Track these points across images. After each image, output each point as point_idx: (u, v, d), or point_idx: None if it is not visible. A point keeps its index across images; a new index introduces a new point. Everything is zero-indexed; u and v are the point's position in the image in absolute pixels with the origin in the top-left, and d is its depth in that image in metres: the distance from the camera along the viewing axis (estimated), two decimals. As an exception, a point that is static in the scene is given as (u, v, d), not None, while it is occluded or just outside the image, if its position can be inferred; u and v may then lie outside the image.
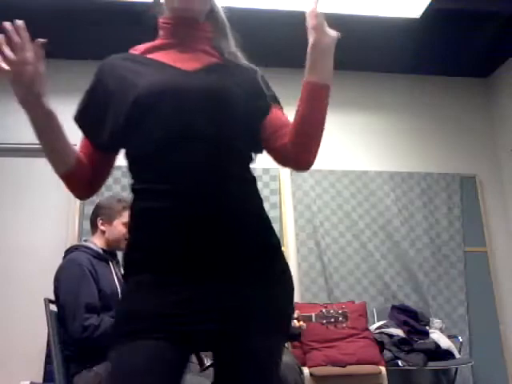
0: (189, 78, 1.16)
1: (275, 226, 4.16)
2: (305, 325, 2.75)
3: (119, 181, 4.01)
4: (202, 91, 1.12)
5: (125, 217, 2.41)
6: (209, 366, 2.18)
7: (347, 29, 4.31)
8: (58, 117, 1.18)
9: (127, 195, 4.04)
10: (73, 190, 1.24)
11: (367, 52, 4.19)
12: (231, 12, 1.38)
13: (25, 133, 4.53)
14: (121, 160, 4.10)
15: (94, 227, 2.45)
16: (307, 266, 4.08)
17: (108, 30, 3.82)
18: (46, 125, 1.17)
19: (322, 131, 1.19)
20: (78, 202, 3.94)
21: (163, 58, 1.23)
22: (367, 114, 4.57)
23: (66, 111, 4.81)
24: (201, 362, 2.21)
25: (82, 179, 1.23)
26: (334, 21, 4.33)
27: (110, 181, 3.98)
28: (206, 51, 1.26)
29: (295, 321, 2.74)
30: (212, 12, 1.32)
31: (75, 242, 3.64)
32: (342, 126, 4.49)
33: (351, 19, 3.69)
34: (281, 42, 4.02)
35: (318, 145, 1.23)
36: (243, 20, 3.82)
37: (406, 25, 3.68)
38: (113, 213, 2.41)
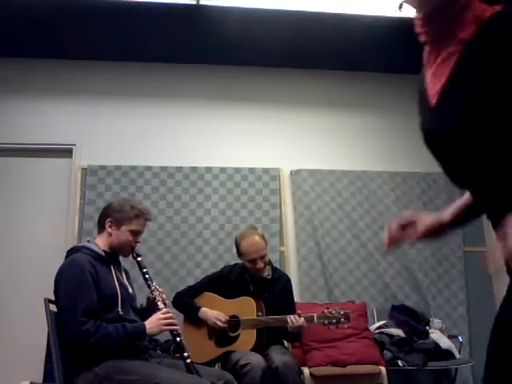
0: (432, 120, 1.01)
1: (275, 226, 4.16)
2: (305, 323, 2.75)
3: (119, 181, 4.01)
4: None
5: (134, 224, 2.37)
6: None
7: (347, 29, 4.34)
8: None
9: (127, 197, 4.04)
10: None
11: (367, 52, 4.18)
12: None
13: (25, 133, 4.57)
14: (121, 160, 4.10)
15: (101, 227, 2.41)
16: (307, 265, 4.07)
17: (108, 29, 3.82)
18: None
19: None
20: (77, 201, 3.94)
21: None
22: (367, 114, 4.57)
23: (66, 111, 4.83)
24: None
25: None
26: (334, 21, 4.34)
27: (110, 181, 3.99)
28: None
29: (297, 317, 2.74)
30: None
31: (75, 242, 3.64)
32: (342, 126, 4.49)
33: (351, 19, 3.69)
34: (281, 41, 4.02)
35: None
36: (245, 19, 3.84)
37: (406, 25, 3.67)
38: (123, 217, 2.37)
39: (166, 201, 4.06)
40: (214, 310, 2.93)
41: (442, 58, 1.00)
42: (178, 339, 2.28)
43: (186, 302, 3.03)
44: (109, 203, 2.50)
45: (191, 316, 2.98)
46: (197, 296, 3.07)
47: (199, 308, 2.96)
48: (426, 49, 1.07)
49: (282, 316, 2.77)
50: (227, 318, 2.91)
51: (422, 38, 1.05)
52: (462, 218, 1.22)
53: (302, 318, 2.74)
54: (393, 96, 4.64)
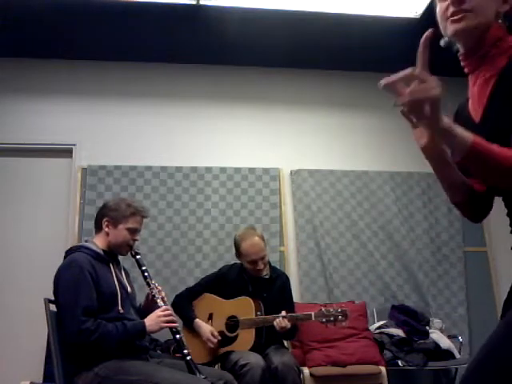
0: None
1: (275, 226, 4.15)
2: (289, 325, 2.74)
3: (119, 181, 4.01)
4: None
5: (131, 222, 2.38)
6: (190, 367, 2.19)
7: (347, 29, 4.34)
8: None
9: (129, 197, 4.05)
10: (464, 215, 1.35)
11: (367, 52, 4.18)
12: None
13: (25, 133, 4.57)
14: (121, 160, 4.11)
15: (98, 227, 2.42)
16: (307, 265, 4.07)
17: (108, 29, 3.82)
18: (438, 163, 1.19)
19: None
20: (78, 201, 3.94)
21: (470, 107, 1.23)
22: (367, 113, 4.57)
23: (66, 111, 4.83)
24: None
25: (472, 208, 1.31)
26: (334, 21, 4.34)
27: (110, 181, 3.99)
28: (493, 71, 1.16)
29: (281, 318, 2.73)
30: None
31: (75, 242, 3.64)
32: (342, 126, 4.49)
33: (351, 19, 3.69)
34: (282, 42, 4.02)
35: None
36: (244, 19, 3.84)
37: (406, 25, 3.68)
38: (119, 216, 2.38)
39: (166, 201, 4.06)
40: (207, 326, 2.90)
41: (481, 83, 1.18)
42: (177, 336, 2.28)
43: (183, 307, 3.01)
44: (104, 203, 2.51)
45: (186, 323, 2.97)
46: (196, 297, 3.06)
47: (194, 318, 2.94)
48: (469, 78, 1.24)
49: (275, 316, 2.77)
50: (219, 337, 2.87)
51: (465, 70, 1.23)
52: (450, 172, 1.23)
53: (286, 320, 2.73)
54: (393, 96, 4.64)
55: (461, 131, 1.02)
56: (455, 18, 1.14)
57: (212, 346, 2.84)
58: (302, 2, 3.52)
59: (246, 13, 3.60)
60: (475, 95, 1.20)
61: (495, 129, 1.11)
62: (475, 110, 1.20)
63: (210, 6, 3.53)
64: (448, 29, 1.18)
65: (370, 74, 4.58)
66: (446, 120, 1.02)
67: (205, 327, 2.90)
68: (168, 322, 2.27)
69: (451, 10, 1.15)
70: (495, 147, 1.02)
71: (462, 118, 1.26)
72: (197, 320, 2.93)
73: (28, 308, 3.55)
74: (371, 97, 4.61)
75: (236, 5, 3.52)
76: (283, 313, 2.76)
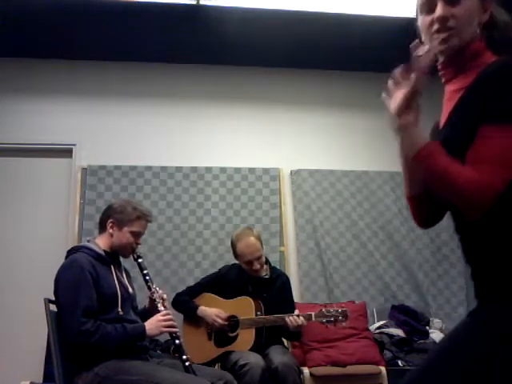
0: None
1: (275, 226, 4.15)
2: (305, 322, 2.75)
3: (119, 181, 4.01)
4: None
5: (135, 226, 2.38)
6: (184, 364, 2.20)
7: (347, 29, 4.34)
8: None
9: (127, 197, 4.04)
10: (414, 215, 1.33)
11: (367, 52, 4.18)
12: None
13: (25, 133, 4.56)
14: (121, 160, 4.10)
15: (102, 227, 2.42)
16: (307, 265, 4.07)
17: (108, 29, 3.82)
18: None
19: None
20: (78, 201, 3.94)
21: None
22: (367, 113, 4.57)
23: (66, 111, 4.82)
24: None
25: (425, 209, 1.30)
26: (334, 21, 4.33)
27: (110, 181, 3.99)
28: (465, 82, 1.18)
29: (296, 317, 2.73)
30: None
31: (75, 242, 3.64)
32: (342, 126, 4.49)
33: (351, 19, 3.69)
34: (282, 42, 4.02)
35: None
36: (244, 19, 3.84)
37: (406, 25, 3.67)
38: (125, 219, 2.38)
39: (166, 201, 4.06)
40: (213, 308, 2.93)
41: (451, 93, 1.22)
42: (177, 341, 2.28)
43: (184, 301, 3.03)
44: (110, 204, 2.50)
45: (190, 315, 2.98)
46: (196, 297, 3.07)
47: (197, 306, 2.96)
48: (445, 87, 1.27)
49: (281, 315, 2.77)
50: (227, 315, 2.91)
51: (443, 79, 1.27)
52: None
53: (302, 317, 2.74)
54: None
55: (419, 134, 1.10)
56: (441, 37, 1.17)
57: (220, 322, 2.86)
58: (302, 2, 3.52)
59: (245, 13, 3.60)
60: (445, 104, 1.26)
61: (446, 137, 1.16)
62: (442, 119, 1.25)
63: (210, 6, 3.53)
64: (434, 47, 1.20)
65: (370, 74, 4.59)
66: (412, 118, 1.11)
67: (210, 310, 2.92)
68: (168, 326, 2.27)
69: (436, 26, 1.18)
70: (449, 162, 1.06)
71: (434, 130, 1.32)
72: (201, 307, 2.94)
73: (28, 308, 3.55)
74: (371, 97, 4.58)
75: (236, 5, 3.52)
76: (296, 311, 2.78)
